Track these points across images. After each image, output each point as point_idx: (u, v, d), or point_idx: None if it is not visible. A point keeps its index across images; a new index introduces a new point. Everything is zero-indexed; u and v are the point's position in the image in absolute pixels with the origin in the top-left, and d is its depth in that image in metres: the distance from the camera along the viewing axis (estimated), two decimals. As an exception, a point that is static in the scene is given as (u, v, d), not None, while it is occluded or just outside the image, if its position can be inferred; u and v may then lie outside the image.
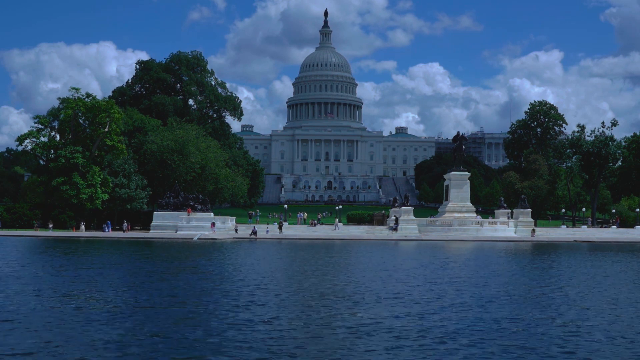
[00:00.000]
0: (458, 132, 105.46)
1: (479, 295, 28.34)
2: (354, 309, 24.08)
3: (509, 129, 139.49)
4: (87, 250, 56.84)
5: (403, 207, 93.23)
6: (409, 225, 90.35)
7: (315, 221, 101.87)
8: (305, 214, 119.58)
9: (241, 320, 21.18)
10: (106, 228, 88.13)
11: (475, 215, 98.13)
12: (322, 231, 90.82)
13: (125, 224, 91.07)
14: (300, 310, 23.72)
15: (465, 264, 46.64)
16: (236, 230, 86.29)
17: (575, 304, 26.22)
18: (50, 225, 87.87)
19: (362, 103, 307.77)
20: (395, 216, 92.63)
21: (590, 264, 47.44)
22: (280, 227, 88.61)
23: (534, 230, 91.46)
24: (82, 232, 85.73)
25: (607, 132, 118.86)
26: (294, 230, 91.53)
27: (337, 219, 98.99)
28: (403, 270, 40.08)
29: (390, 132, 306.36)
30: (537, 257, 54.49)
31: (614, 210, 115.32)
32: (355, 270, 40.21)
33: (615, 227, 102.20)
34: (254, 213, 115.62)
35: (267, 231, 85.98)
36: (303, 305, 24.91)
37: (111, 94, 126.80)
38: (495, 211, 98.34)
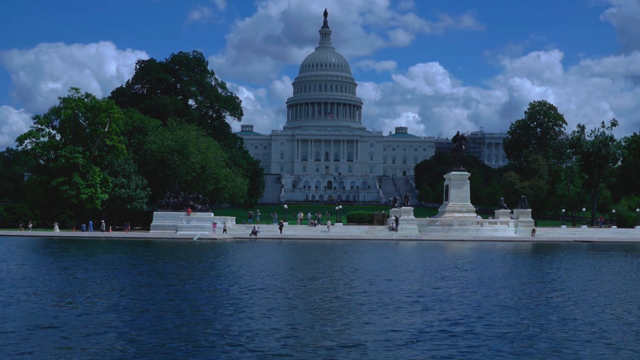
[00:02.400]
0: (458, 132, 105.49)
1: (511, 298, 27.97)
2: (401, 313, 23.58)
3: (509, 129, 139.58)
4: (39, 250, 55.56)
5: (403, 207, 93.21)
6: (409, 225, 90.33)
7: (315, 221, 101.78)
8: (302, 214, 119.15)
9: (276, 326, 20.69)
10: (85, 227, 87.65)
11: (475, 215, 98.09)
12: (321, 231, 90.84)
13: (104, 223, 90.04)
14: (347, 318, 22.87)
15: (476, 264, 46.21)
16: (224, 230, 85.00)
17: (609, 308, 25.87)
18: (30, 225, 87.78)
19: (362, 103, 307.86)
20: (395, 216, 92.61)
21: (607, 264, 47.06)
22: (280, 228, 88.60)
23: (534, 230, 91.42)
24: (56, 232, 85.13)
25: (607, 132, 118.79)
26: (293, 230, 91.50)
27: (328, 220, 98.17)
28: (421, 272, 39.58)
29: (390, 132, 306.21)
30: (547, 258, 54.30)
31: (614, 210, 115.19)
32: (377, 272, 38.76)
33: (614, 227, 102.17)
34: (253, 213, 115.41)
35: (259, 230, 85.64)
36: (336, 311, 24.03)
37: (111, 95, 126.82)
38: (496, 211, 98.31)
